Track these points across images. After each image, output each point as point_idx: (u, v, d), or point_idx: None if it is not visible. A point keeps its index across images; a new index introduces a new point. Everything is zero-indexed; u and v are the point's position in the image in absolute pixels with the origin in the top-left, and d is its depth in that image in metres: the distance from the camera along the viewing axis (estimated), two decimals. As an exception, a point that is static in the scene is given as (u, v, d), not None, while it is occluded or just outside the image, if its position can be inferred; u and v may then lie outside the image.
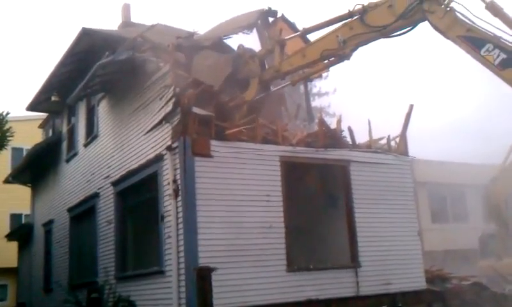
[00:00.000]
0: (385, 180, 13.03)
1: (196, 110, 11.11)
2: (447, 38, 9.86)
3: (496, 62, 9.31)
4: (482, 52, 9.45)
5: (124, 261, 13.18)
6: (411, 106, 13.93)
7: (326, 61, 11.96)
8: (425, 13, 10.10)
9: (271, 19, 14.96)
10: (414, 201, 13.67)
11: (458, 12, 9.76)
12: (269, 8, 14.87)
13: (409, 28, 10.58)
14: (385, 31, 10.82)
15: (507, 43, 9.27)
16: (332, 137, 12.86)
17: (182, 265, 10.30)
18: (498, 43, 9.30)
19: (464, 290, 13.21)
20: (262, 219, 11.08)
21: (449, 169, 22.22)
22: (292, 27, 14.82)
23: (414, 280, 12.68)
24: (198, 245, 10.18)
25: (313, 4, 47.98)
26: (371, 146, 13.32)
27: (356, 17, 11.11)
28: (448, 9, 9.88)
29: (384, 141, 13.79)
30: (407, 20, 10.45)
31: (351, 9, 11.12)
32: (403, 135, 13.82)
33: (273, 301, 10.57)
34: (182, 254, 10.38)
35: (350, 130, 13.24)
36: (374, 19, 10.85)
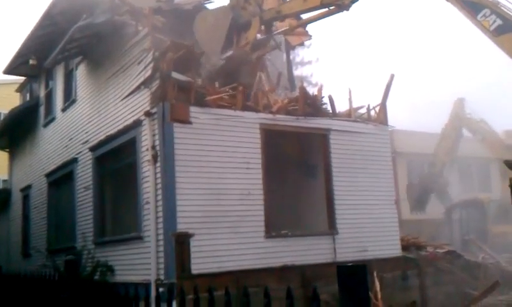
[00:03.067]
0: (364, 148, 13.11)
1: (175, 75, 10.97)
2: (447, 0, 9.87)
3: (492, 28, 9.37)
4: (478, 17, 9.50)
5: (102, 226, 13.16)
6: (392, 76, 13.94)
7: (325, 9, 11.93)
8: None
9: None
10: (392, 170, 13.79)
11: None
12: (252, -27, 14.60)
13: None
14: None
15: (505, 9, 9.29)
16: (312, 106, 12.84)
17: (161, 231, 10.33)
18: (495, 9, 9.30)
19: (439, 258, 13.49)
20: (241, 185, 11.10)
21: (428, 140, 22.42)
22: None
23: (390, 247, 12.90)
24: (176, 211, 10.19)
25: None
26: (351, 115, 13.35)
27: None
28: None
29: (364, 110, 13.82)
30: None
31: None
32: (383, 105, 13.86)
33: (250, 267, 10.64)
34: (160, 220, 10.40)
35: (330, 99, 13.24)
36: None
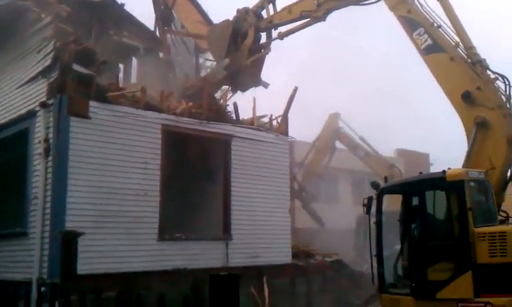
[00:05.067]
0: (264, 157, 13.39)
1: (76, 67, 10.64)
2: (395, 15, 10.69)
3: (423, 46, 10.17)
4: (414, 35, 10.28)
5: (-15, 219, 12.38)
6: (295, 89, 14.39)
7: (306, 20, 13.14)
8: None
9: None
10: (289, 179, 14.23)
11: None
12: (164, -27, 14.66)
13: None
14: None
15: (437, 30, 10.07)
16: (217, 111, 12.97)
17: (47, 228, 9.97)
18: (428, 29, 10.07)
19: (326, 266, 14.09)
20: (138, 186, 10.94)
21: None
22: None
23: (281, 254, 13.24)
24: (66, 208, 9.86)
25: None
26: (254, 123, 13.61)
27: None
28: None
29: (266, 120, 14.15)
30: None
31: None
32: (285, 116, 14.25)
33: (141, 269, 10.55)
34: (48, 216, 10.03)
35: (235, 106, 13.44)
36: None
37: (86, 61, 10.98)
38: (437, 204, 7.94)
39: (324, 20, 12.89)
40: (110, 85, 11.31)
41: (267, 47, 14.40)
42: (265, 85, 14.80)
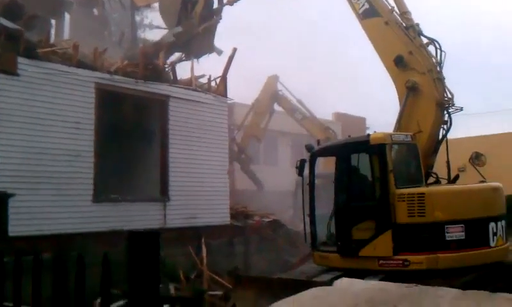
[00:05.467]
0: (202, 118, 13.34)
1: (3, 21, 10.14)
2: None
3: (360, 11, 10.19)
4: None
5: None
6: (235, 49, 14.30)
7: None
8: None
9: None
10: (227, 141, 14.28)
11: None
12: None
13: None
14: None
15: None
16: (153, 70, 12.73)
17: (-25, 189, 9.60)
18: None
19: (263, 226, 14.38)
20: (70, 146, 10.70)
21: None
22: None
23: (219, 215, 13.40)
24: (-7, 169, 9.53)
25: None
26: (192, 84, 13.47)
27: None
28: None
29: (205, 80, 14.03)
30: None
31: None
32: (224, 77, 14.18)
33: (75, 230, 10.39)
34: (-26, 177, 9.65)
35: (172, 66, 13.25)
36: None
37: (13, 15, 10.53)
38: (362, 166, 8.23)
39: None
40: (40, 41, 10.86)
41: (218, 13, 14.28)
42: (219, 52, 14.71)
